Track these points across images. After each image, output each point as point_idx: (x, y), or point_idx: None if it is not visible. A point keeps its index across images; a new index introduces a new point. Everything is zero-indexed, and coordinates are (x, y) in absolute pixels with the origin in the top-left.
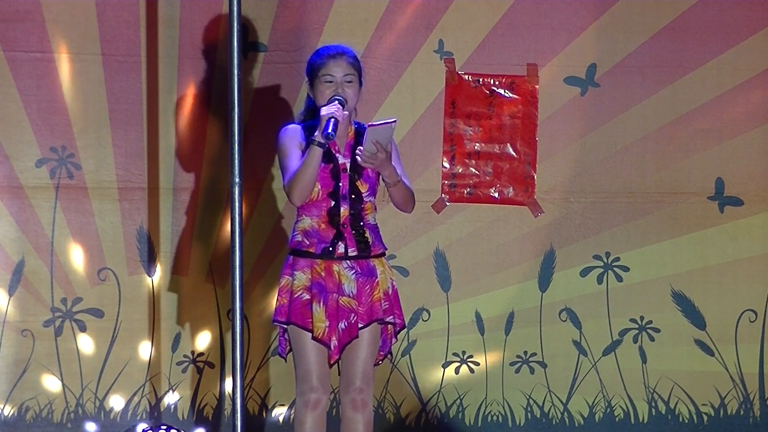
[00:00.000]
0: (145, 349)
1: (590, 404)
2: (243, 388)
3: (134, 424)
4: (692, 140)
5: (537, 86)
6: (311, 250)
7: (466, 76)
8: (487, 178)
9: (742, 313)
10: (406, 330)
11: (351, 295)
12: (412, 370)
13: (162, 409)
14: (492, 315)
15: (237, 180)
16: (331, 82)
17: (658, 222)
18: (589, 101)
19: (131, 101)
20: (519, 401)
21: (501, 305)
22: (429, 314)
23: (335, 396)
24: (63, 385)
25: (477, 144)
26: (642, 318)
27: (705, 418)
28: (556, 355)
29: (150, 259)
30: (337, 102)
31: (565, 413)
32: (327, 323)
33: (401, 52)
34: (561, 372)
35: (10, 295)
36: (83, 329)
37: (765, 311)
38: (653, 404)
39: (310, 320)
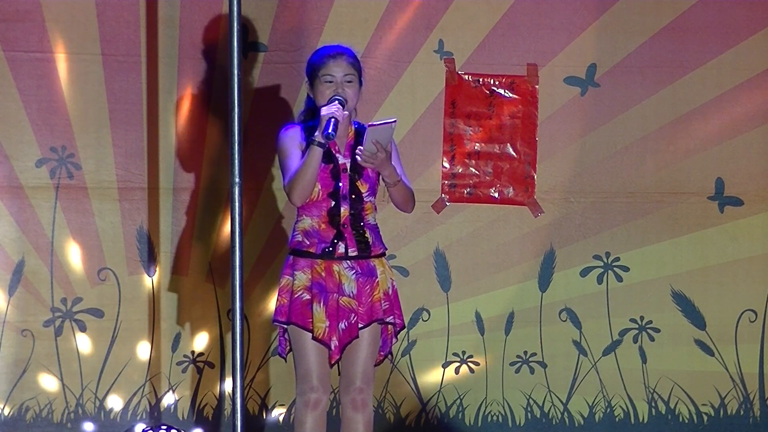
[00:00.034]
0: (145, 349)
1: (590, 404)
2: (243, 388)
3: (134, 424)
4: (692, 140)
5: (537, 86)
6: (311, 250)
7: (466, 76)
8: (487, 178)
9: (742, 313)
10: (406, 330)
11: (351, 295)
12: (412, 370)
13: (162, 409)
14: (492, 315)
15: (237, 180)
16: (331, 82)
17: (658, 222)
18: (589, 101)
19: (131, 101)
20: (519, 401)
21: (501, 305)
22: (429, 314)
23: (335, 396)
24: (63, 385)
25: (477, 144)
26: (642, 318)
27: (705, 418)
28: (556, 355)
29: (150, 259)
30: (337, 102)
31: (565, 413)
32: (327, 323)
33: (401, 52)
34: (561, 372)
35: (10, 295)
36: (83, 329)
37: (765, 311)
38: (653, 404)
39: (311, 320)
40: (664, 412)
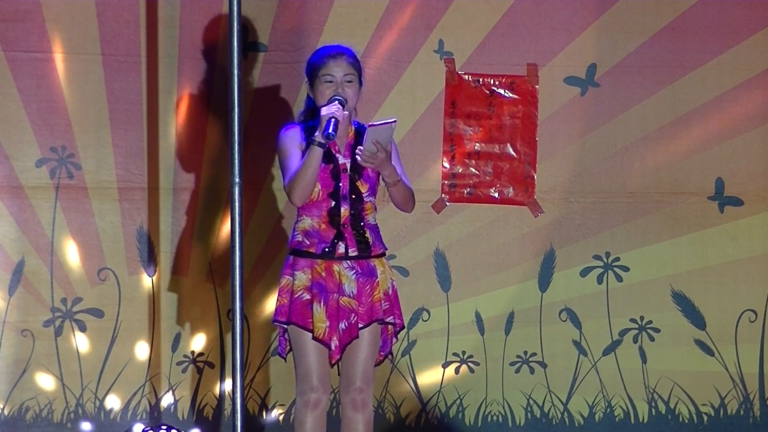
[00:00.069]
0: (144, 349)
1: (590, 404)
2: (243, 388)
3: (133, 424)
4: (692, 140)
5: (537, 86)
6: (311, 250)
7: (466, 76)
8: (487, 178)
9: (742, 313)
10: (406, 330)
11: (351, 295)
12: (412, 370)
13: (162, 409)
14: (492, 315)
15: (237, 180)
16: (331, 82)
17: (658, 222)
18: (589, 101)
19: (131, 101)
20: (519, 401)
21: (501, 305)
22: (429, 314)
23: (335, 396)
24: (63, 385)
25: (477, 144)
26: (642, 318)
27: (705, 418)
28: (556, 355)
29: (150, 259)
30: (337, 102)
31: (565, 413)
32: (327, 323)
33: (401, 52)
34: (561, 372)
35: (10, 295)
36: (83, 329)
37: (765, 311)
38: (653, 404)
39: (311, 320)
40: (664, 412)
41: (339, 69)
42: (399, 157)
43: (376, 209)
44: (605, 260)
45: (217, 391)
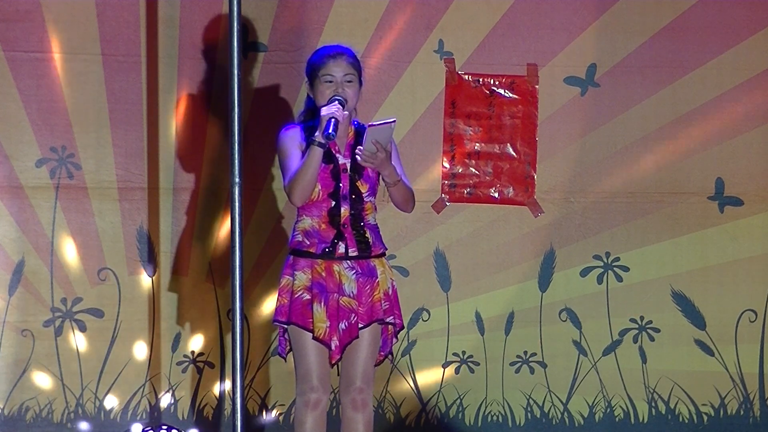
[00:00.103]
0: (144, 349)
1: (590, 404)
2: (243, 388)
3: (133, 424)
4: (692, 140)
5: (537, 86)
6: (311, 250)
7: (466, 76)
8: (487, 178)
9: (742, 313)
10: (406, 330)
11: (351, 295)
12: (412, 370)
13: (162, 409)
14: (492, 315)
15: (237, 180)
16: (331, 82)
17: (658, 222)
18: (589, 101)
19: (131, 101)
20: (519, 401)
21: (501, 305)
22: (429, 314)
23: (335, 396)
24: (63, 385)
25: (477, 144)
26: (642, 318)
27: (705, 418)
28: (556, 355)
29: (150, 259)
30: (337, 102)
31: (565, 413)
32: (328, 323)
33: (401, 52)
34: (561, 372)
35: (10, 295)
36: (83, 329)
37: (765, 311)
38: (653, 404)
39: (311, 320)
40: (664, 412)
41: (339, 69)
42: (399, 157)
43: (376, 209)
44: (605, 260)
45: (217, 391)
